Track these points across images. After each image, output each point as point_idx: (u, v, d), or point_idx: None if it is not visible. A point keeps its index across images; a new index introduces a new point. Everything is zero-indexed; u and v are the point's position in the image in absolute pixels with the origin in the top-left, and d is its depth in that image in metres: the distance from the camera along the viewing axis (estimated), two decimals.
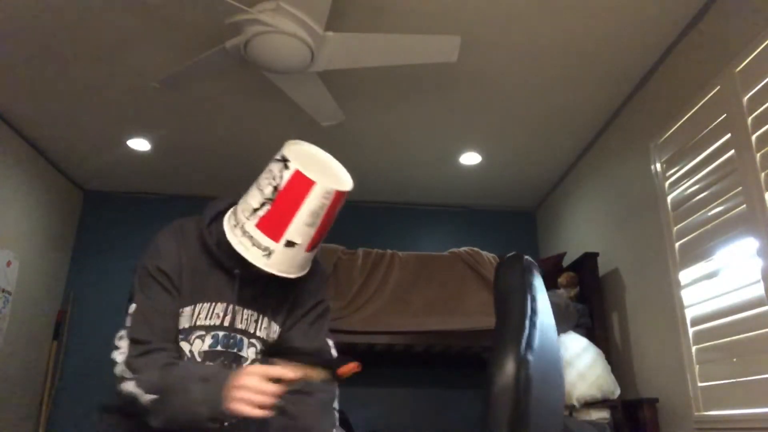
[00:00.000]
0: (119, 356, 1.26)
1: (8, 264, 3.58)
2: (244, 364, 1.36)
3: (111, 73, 3.00)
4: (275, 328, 1.41)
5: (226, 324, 1.34)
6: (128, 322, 1.29)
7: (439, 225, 4.70)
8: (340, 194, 1.32)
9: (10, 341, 3.61)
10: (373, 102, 3.27)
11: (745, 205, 2.19)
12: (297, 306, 1.44)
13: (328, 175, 1.35)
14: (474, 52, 2.78)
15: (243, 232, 1.27)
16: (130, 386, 1.20)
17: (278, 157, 1.29)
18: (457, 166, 4.04)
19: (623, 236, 3.27)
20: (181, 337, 1.32)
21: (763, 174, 2.10)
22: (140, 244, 5.00)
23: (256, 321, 1.38)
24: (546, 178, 4.24)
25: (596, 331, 3.28)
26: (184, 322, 1.33)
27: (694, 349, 2.50)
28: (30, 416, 3.85)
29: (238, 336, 1.36)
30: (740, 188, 2.22)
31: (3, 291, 3.53)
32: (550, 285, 3.04)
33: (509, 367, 1.36)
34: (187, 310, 1.33)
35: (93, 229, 4.44)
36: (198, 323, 1.33)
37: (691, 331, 2.53)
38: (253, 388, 1.08)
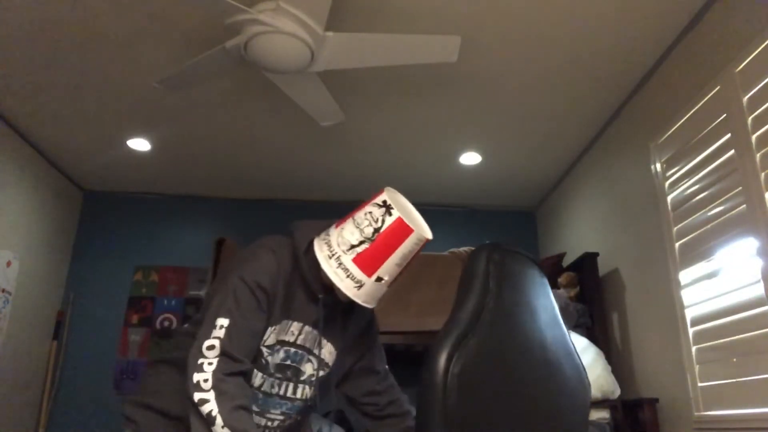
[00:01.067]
0: (207, 366, 1.32)
1: (8, 264, 3.58)
2: (301, 378, 1.53)
3: (111, 73, 3.00)
4: (330, 349, 1.57)
5: (299, 342, 1.50)
6: (222, 334, 1.36)
7: (439, 225, 4.67)
8: (426, 242, 1.47)
9: (10, 341, 3.61)
10: (373, 102, 3.27)
11: (745, 205, 2.19)
12: (352, 329, 1.61)
13: (417, 224, 1.48)
14: (474, 52, 2.78)
15: (338, 264, 1.42)
16: (210, 405, 1.28)
17: (380, 202, 1.45)
18: (457, 166, 4.04)
19: (623, 236, 3.27)
20: (267, 352, 1.46)
21: (763, 174, 2.10)
22: (140, 244, 5.02)
23: (317, 341, 1.52)
24: (546, 178, 4.25)
25: (596, 331, 3.28)
26: (272, 339, 1.47)
27: (694, 349, 2.50)
28: (30, 416, 3.85)
29: (301, 352, 1.51)
30: (740, 188, 2.22)
31: (3, 291, 3.53)
32: (550, 285, 3.04)
33: (439, 362, 1.27)
34: (277, 328, 1.47)
35: (93, 229, 4.45)
36: (280, 338, 1.47)
37: (691, 331, 2.53)
38: None
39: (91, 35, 2.71)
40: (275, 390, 1.51)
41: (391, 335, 3.22)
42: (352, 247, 1.42)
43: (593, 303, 3.36)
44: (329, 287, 1.47)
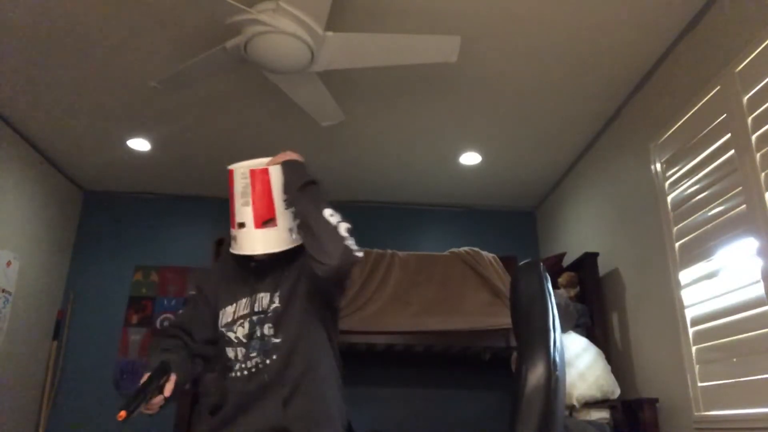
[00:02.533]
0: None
1: (8, 264, 3.58)
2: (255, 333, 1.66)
3: (111, 73, 3.01)
4: (268, 296, 1.64)
5: (239, 316, 1.64)
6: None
7: (439, 225, 4.70)
8: (255, 172, 1.60)
9: (10, 341, 3.61)
10: (373, 102, 3.27)
11: (745, 205, 2.19)
12: (287, 272, 1.66)
13: (254, 165, 1.64)
14: (474, 52, 2.78)
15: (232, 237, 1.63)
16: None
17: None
18: (457, 166, 4.04)
19: (623, 236, 3.27)
20: (224, 329, 1.65)
21: (763, 174, 2.10)
22: (140, 244, 5.02)
23: (270, 300, 1.63)
24: (546, 178, 4.25)
25: (596, 331, 3.28)
26: (226, 318, 1.66)
27: (694, 349, 2.50)
28: (30, 416, 3.85)
29: (256, 317, 1.63)
30: (740, 188, 2.22)
31: (3, 291, 3.53)
32: (549, 286, 3.04)
33: (540, 368, 1.51)
34: (220, 316, 1.68)
35: (93, 229, 4.45)
36: (224, 323, 1.66)
37: (691, 331, 2.53)
38: None
39: (91, 35, 2.72)
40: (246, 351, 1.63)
41: (391, 335, 3.22)
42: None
43: (593, 303, 3.36)
44: (245, 258, 1.65)
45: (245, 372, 1.59)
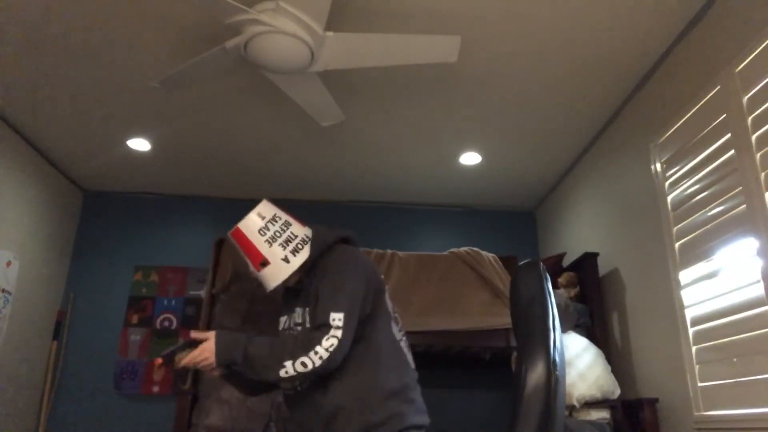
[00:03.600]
0: None
1: (8, 264, 3.58)
2: None
3: (111, 73, 3.01)
4: (298, 313, 1.86)
5: (289, 326, 1.89)
6: None
7: (439, 225, 4.70)
8: (233, 235, 1.83)
9: (10, 341, 3.61)
10: (373, 102, 3.27)
11: (745, 205, 2.19)
12: (305, 295, 1.87)
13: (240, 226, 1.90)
14: (474, 52, 2.78)
15: None
16: None
17: None
18: (457, 166, 4.04)
19: (623, 236, 3.27)
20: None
21: (763, 174, 2.10)
22: (140, 244, 5.02)
23: (302, 314, 1.84)
24: (546, 178, 4.25)
25: (596, 331, 3.28)
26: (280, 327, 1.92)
27: (694, 349, 2.50)
28: (30, 416, 3.85)
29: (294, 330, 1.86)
30: (740, 188, 2.22)
31: (3, 291, 3.54)
32: (549, 286, 3.04)
33: (540, 368, 1.51)
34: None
35: (93, 229, 4.45)
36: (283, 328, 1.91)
37: (691, 331, 2.53)
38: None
39: (91, 36, 2.72)
40: None
41: None
42: None
43: (593, 303, 3.37)
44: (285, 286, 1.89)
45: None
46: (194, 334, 1.71)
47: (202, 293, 4.19)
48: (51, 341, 4.07)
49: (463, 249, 3.42)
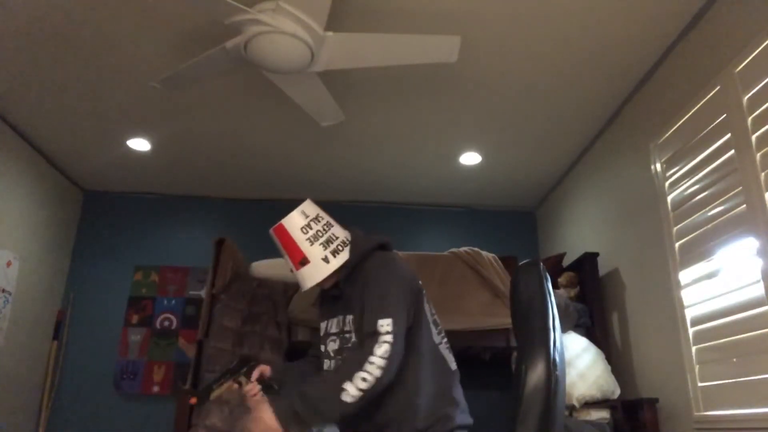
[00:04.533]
0: None
1: (8, 264, 3.58)
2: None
3: (111, 73, 3.01)
4: (338, 320, 1.86)
5: (329, 332, 1.89)
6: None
7: (439, 225, 4.69)
8: (275, 230, 1.83)
9: (10, 341, 3.61)
10: (373, 102, 3.27)
11: (745, 205, 2.19)
12: (347, 300, 1.86)
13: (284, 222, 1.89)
14: (474, 52, 2.78)
15: None
16: None
17: None
18: (457, 166, 4.04)
19: (623, 236, 3.27)
20: (321, 342, 1.92)
21: (763, 174, 2.10)
22: (140, 244, 5.01)
23: (344, 321, 1.83)
24: (546, 178, 4.25)
25: (596, 331, 3.28)
26: (321, 332, 1.92)
27: (694, 349, 2.50)
28: (30, 416, 3.85)
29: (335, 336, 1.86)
30: (740, 188, 2.22)
31: (3, 291, 3.53)
32: (549, 286, 3.04)
33: (540, 368, 1.49)
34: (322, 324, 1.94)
35: (93, 229, 4.45)
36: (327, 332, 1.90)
37: (691, 331, 2.53)
38: None
39: (91, 35, 2.72)
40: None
41: None
42: None
43: (593, 303, 3.36)
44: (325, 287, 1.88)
45: None
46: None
47: (202, 293, 4.19)
48: (51, 341, 4.07)
49: (463, 249, 3.41)
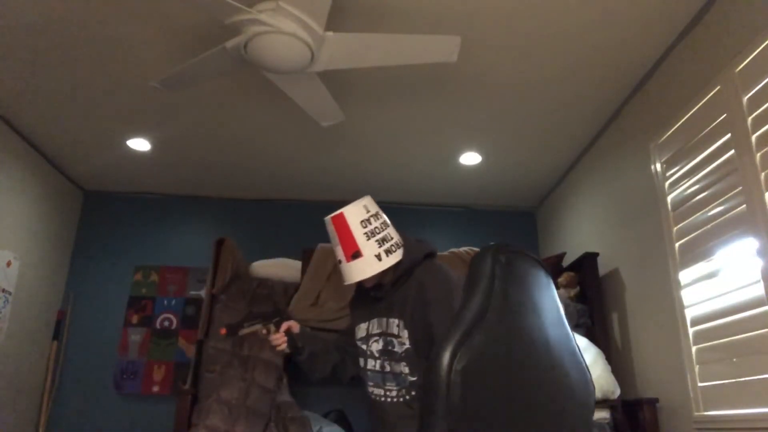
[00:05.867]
0: None
1: (8, 264, 3.58)
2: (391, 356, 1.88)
3: (111, 73, 3.01)
4: (374, 325, 1.90)
5: (368, 334, 1.91)
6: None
7: (439, 225, 4.70)
8: (334, 219, 1.83)
9: (10, 341, 3.61)
10: (373, 102, 3.27)
11: (745, 205, 2.19)
12: (395, 304, 1.87)
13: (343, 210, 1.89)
14: (474, 51, 2.78)
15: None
16: None
17: None
18: (457, 166, 4.04)
19: (623, 236, 3.27)
20: (359, 343, 1.96)
21: (763, 174, 2.10)
22: (140, 244, 5.02)
23: (386, 324, 1.85)
24: (546, 178, 4.25)
25: (596, 331, 3.28)
26: (360, 334, 1.95)
27: (694, 349, 2.50)
28: (30, 416, 3.85)
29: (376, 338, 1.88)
30: (740, 188, 2.22)
31: (3, 291, 3.54)
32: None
33: (443, 358, 1.31)
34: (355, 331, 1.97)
35: (93, 229, 4.45)
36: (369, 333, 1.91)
37: (691, 331, 2.53)
38: None
39: (91, 35, 2.72)
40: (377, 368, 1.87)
41: None
42: None
43: (593, 303, 3.36)
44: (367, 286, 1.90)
45: (373, 382, 1.88)
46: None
47: (202, 293, 4.19)
48: (51, 341, 4.07)
49: (463, 249, 3.42)
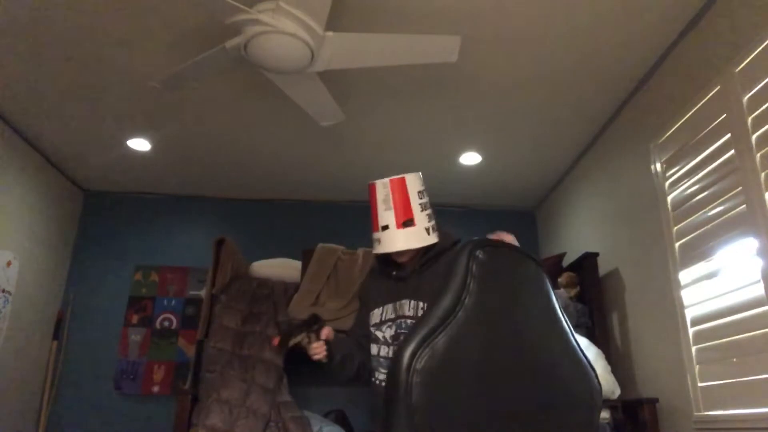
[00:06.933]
0: None
1: (8, 264, 3.58)
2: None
3: (111, 73, 3.00)
4: (408, 306, 1.83)
5: (384, 319, 1.86)
6: None
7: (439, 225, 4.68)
8: (394, 181, 1.77)
9: (10, 341, 3.61)
10: (373, 102, 3.27)
11: (745, 205, 2.19)
12: (426, 284, 1.81)
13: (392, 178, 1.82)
14: (474, 51, 2.78)
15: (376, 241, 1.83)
16: None
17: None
18: (457, 166, 4.04)
19: (623, 236, 3.27)
20: (373, 329, 1.90)
21: (763, 174, 2.10)
22: (140, 244, 5.02)
23: (414, 306, 1.80)
24: (546, 178, 4.25)
25: (596, 331, 3.28)
26: (375, 319, 1.90)
27: (694, 349, 2.50)
28: (30, 416, 3.85)
29: (403, 321, 1.81)
30: (740, 188, 2.22)
31: (3, 291, 3.53)
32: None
33: (403, 358, 1.27)
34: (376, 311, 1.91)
35: (93, 229, 4.45)
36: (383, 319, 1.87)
37: (691, 331, 2.53)
38: None
39: (91, 35, 2.72)
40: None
41: None
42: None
43: (593, 303, 3.36)
44: (393, 264, 1.86)
45: (385, 369, 1.82)
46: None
47: (202, 293, 4.19)
48: (51, 341, 4.06)
49: None
